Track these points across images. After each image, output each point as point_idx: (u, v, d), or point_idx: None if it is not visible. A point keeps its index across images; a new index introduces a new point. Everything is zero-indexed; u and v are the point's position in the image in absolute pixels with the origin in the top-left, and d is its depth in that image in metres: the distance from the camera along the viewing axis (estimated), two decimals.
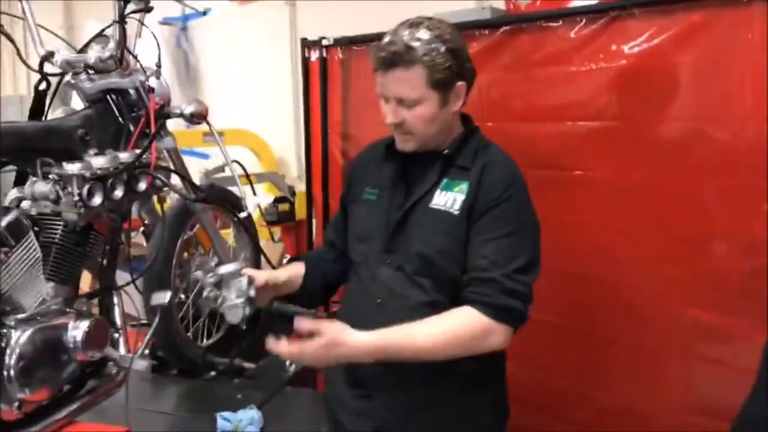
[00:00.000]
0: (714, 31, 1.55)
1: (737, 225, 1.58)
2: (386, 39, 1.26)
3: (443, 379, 1.31)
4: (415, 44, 1.23)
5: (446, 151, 1.34)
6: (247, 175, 2.43)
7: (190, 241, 1.75)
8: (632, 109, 1.71)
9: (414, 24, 1.27)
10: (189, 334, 1.73)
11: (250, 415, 1.46)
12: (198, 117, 1.54)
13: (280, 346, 1.23)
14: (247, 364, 1.76)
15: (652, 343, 1.74)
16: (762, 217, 1.50)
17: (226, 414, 1.46)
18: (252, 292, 1.32)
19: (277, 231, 2.86)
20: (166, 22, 3.87)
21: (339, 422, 1.41)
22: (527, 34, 1.89)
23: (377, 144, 1.50)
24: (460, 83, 1.30)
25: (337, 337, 1.20)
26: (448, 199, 1.31)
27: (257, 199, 2.04)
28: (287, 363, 1.81)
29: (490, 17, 2.12)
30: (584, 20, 1.74)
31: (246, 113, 3.56)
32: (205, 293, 1.36)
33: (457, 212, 1.29)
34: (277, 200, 2.66)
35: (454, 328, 1.23)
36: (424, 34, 1.24)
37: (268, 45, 3.61)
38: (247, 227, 1.81)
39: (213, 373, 1.75)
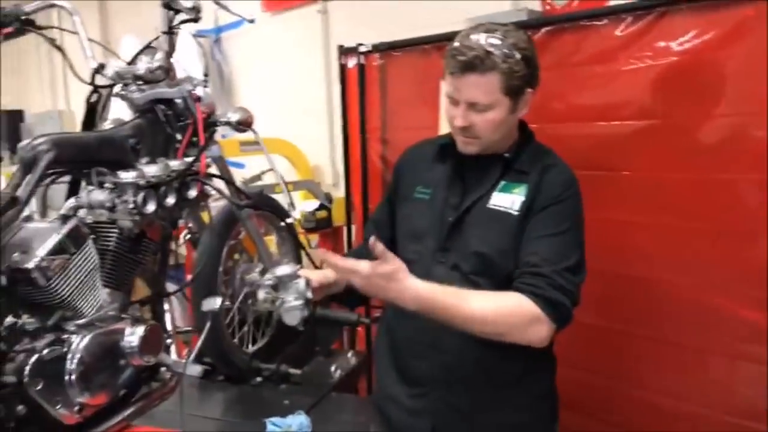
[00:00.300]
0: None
1: None
2: (462, 43, 1.26)
3: (498, 374, 1.33)
4: (494, 50, 1.24)
5: (507, 155, 1.36)
6: (285, 183, 2.46)
7: (236, 248, 1.77)
8: (680, 107, 1.68)
9: (490, 30, 1.27)
10: (235, 340, 1.75)
11: (300, 420, 1.46)
12: (244, 125, 1.56)
13: (336, 258, 1.23)
14: (293, 370, 1.77)
15: (698, 343, 1.70)
16: None
17: (275, 419, 1.46)
18: (309, 294, 1.34)
19: (314, 238, 2.88)
20: (199, 34, 3.93)
21: (391, 421, 1.41)
22: (569, 34, 1.87)
23: (426, 143, 1.51)
24: (529, 90, 1.32)
25: (399, 272, 1.20)
26: (507, 200, 1.34)
27: (302, 206, 2.06)
28: (332, 369, 1.81)
29: (526, 19, 2.12)
30: (630, 18, 1.72)
31: (280, 122, 3.58)
32: (261, 296, 1.37)
33: (516, 212, 1.32)
34: (316, 208, 2.68)
35: (505, 306, 1.24)
36: (499, 40, 1.25)
37: (300, 53, 3.64)
38: (292, 233, 1.83)
39: (259, 378, 1.76)
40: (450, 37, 2.09)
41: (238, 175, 2.86)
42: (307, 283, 1.34)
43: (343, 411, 1.65)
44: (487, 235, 1.32)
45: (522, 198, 1.32)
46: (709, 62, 1.61)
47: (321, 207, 2.68)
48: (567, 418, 1.58)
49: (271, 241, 1.96)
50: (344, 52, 2.46)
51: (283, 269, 1.33)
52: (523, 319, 1.23)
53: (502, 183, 1.35)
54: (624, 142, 1.78)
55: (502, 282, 1.30)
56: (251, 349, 1.80)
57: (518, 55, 1.25)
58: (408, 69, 2.28)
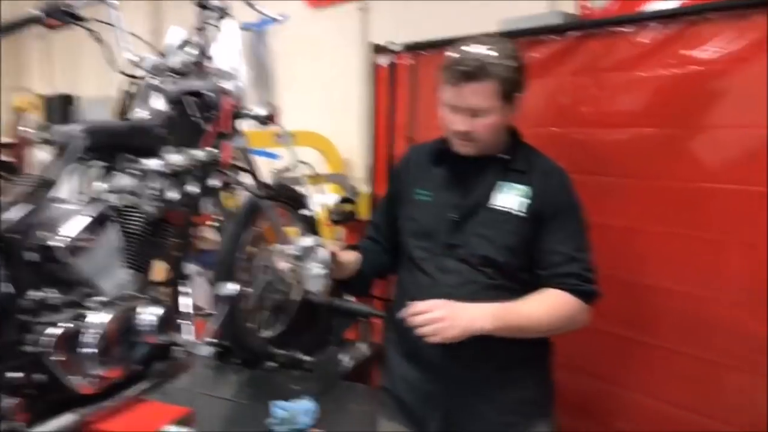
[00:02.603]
0: None
1: None
2: (460, 54, 1.37)
3: (505, 356, 1.42)
4: (490, 60, 1.36)
5: (503, 156, 1.46)
6: (314, 176, 2.51)
7: (257, 237, 1.83)
8: (698, 116, 1.66)
9: (483, 42, 1.40)
10: (252, 325, 1.82)
11: (306, 405, 1.52)
12: (268, 119, 1.62)
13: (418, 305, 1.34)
14: (305, 357, 1.82)
15: (716, 357, 1.68)
16: None
17: (281, 403, 1.52)
18: (331, 263, 1.43)
19: (341, 231, 2.93)
20: (244, 27, 4.01)
21: (405, 404, 1.47)
22: (598, 39, 1.87)
23: (423, 147, 1.62)
24: (519, 95, 1.43)
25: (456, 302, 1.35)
26: (510, 200, 1.43)
27: (322, 199, 2.11)
28: (342, 358, 1.86)
29: (561, 22, 2.11)
30: (658, 25, 1.70)
31: (317, 115, 3.65)
32: (284, 266, 1.49)
33: (520, 213, 1.42)
34: (342, 201, 2.73)
35: (557, 306, 1.39)
36: (493, 51, 1.37)
37: (340, 49, 3.69)
38: (310, 225, 1.88)
39: (272, 364, 1.82)
40: None
41: (272, 166, 2.93)
42: (329, 253, 1.44)
43: (352, 399, 1.71)
44: (492, 235, 1.41)
45: (524, 199, 1.42)
46: (734, 72, 1.59)
47: (347, 200, 2.73)
48: (570, 422, 1.59)
49: (295, 232, 2.02)
50: (376, 50, 2.50)
51: (306, 240, 1.42)
52: (574, 314, 1.40)
53: (503, 183, 1.44)
54: (648, 150, 1.76)
55: (507, 271, 1.42)
56: (267, 334, 1.86)
57: (510, 64, 1.37)
58: (437, 69, 2.30)
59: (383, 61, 2.48)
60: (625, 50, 1.80)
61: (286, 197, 1.84)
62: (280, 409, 1.50)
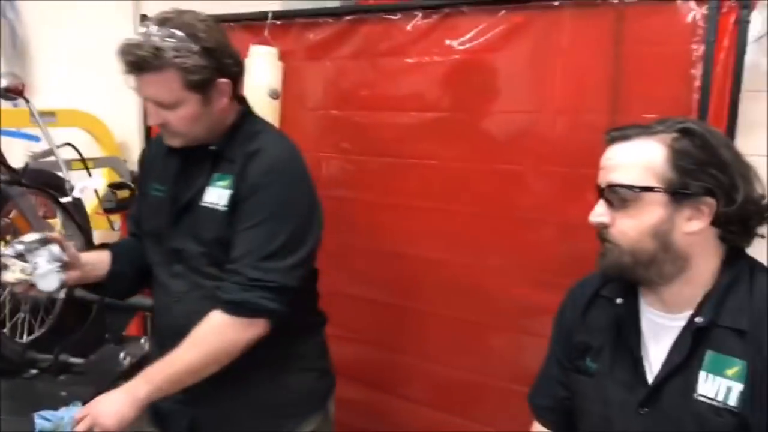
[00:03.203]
0: (532, 32, 1.69)
1: (558, 209, 1.71)
2: (130, 41, 1.18)
3: (251, 363, 1.28)
4: (165, 45, 1.17)
5: (213, 147, 1.31)
6: (83, 160, 2.27)
7: (7, 229, 1.61)
8: (463, 101, 1.82)
9: (164, 21, 1.20)
10: (5, 330, 1.60)
11: (74, 411, 1.37)
12: (12, 92, 1.43)
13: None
14: (75, 360, 1.66)
15: (483, 319, 1.87)
16: (578, 203, 1.64)
17: (47, 413, 1.36)
18: (65, 257, 1.25)
19: (117, 219, 2.70)
20: None
21: (156, 408, 1.38)
22: (371, 25, 1.94)
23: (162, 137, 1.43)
24: (221, 80, 1.26)
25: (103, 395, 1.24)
26: (217, 195, 1.29)
27: (86, 184, 1.90)
28: (120, 356, 1.72)
29: (339, 5, 2.16)
30: (420, 15, 1.83)
31: (85, 93, 3.29)
32: (8, 275, 1.22)
33: (224, 208, 1.28)
34: (116, 186, 2.50)
35: (207, 337, 1.24)
36: (174, 33, 1.18)
37: (109, 19, 3.36)
38: (72, 213, 1.70)
39: (34, 371, 1.62)
40: (256, 17, 2.10)
41: (31, 149, 2.58)
42: (62, 246, 1.25)
43: None
44: (203, 234, 1.30)
45: (229, 190, 1.28)
46: (486, 62, 1.76)
47: (121, 186, 2.52)
48: (352, 391, 1.65)
49: (56, 222, 1.81)
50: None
51: (29, 236, 1.23)
52: (225, 337, 1.24)
53: (214, 176, 1.30)
54: (415, 132, 1.90)
55: None
56: (26, 339, 1.65)
57: (195, 47, 1.19)
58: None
59: None
60: (396, 37, 1.90)
61: (42, 183, 1.65)
62: (45, 419, 1.34)
